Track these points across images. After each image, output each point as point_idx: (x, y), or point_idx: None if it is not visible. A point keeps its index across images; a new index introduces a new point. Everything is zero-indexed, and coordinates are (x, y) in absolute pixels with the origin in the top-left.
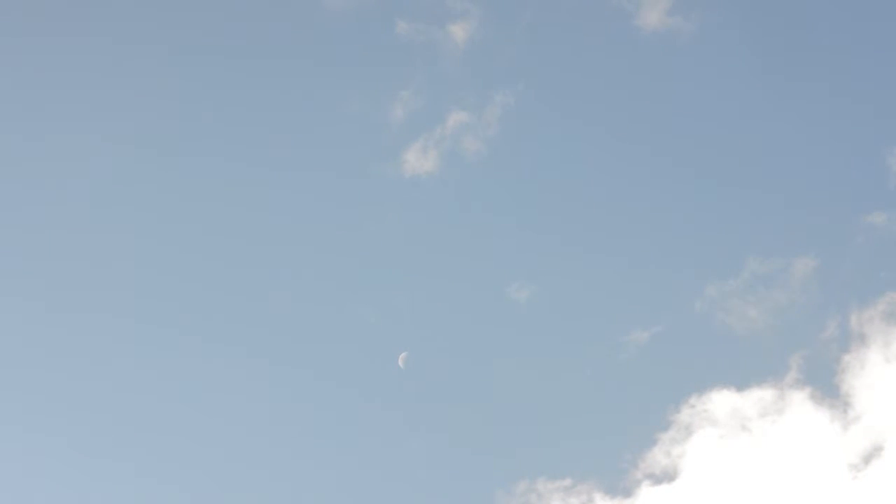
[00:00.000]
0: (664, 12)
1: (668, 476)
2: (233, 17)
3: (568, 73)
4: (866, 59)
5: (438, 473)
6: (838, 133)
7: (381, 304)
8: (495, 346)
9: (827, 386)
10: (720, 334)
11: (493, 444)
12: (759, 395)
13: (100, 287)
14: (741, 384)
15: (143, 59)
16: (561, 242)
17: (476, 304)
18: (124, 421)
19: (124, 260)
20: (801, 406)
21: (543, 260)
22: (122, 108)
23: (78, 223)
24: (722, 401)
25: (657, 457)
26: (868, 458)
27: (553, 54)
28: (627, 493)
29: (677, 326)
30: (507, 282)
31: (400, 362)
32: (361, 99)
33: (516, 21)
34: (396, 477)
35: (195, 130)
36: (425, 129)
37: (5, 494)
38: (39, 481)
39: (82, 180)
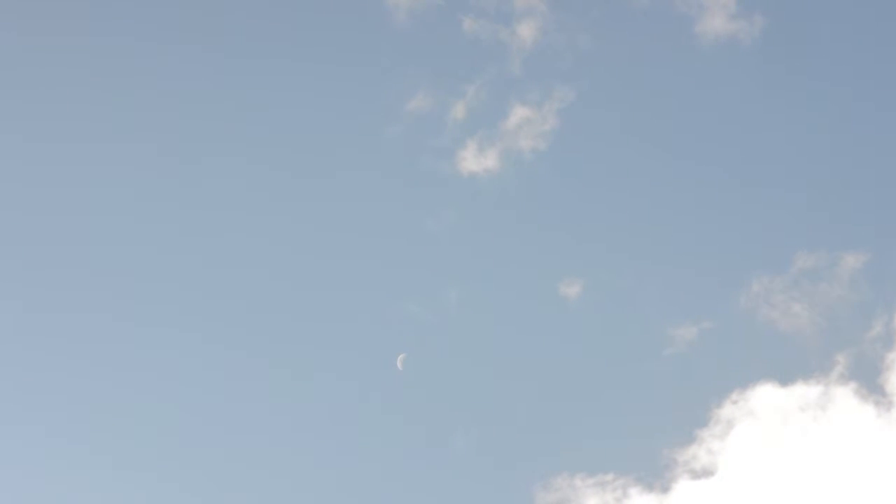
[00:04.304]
0: (727, 17)
1: (707, 472)
2: (297, 14)
3: (629, 73)
4: None
5: (480, 467)
6: (889, 129)
7: (434, 299)
8: (544, 340)
9: (872, 384)
10: (766, 330)
11: (534, 438)
12: (803, 392)
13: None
14: (785, 380)
15: (200, 57)
16: (612, 238)
17: (527, 298)
18: (127, 421)
19: (161, 258)
20: (844, 403)
21: (594, 255)
22: (169, 107)
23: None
24: (765, 397)
25: (698, 452)
26: None
27: (616, 55)
28: (665, 488)
29: (723, 322)
30: (559, 277)
31: (399, 364)
32: (426, 97)
33: (581, 21)
34: (439, 469)
35: (256, 127)
36: (487, 126)
37: (5, 494)
38: (40, 481)
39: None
